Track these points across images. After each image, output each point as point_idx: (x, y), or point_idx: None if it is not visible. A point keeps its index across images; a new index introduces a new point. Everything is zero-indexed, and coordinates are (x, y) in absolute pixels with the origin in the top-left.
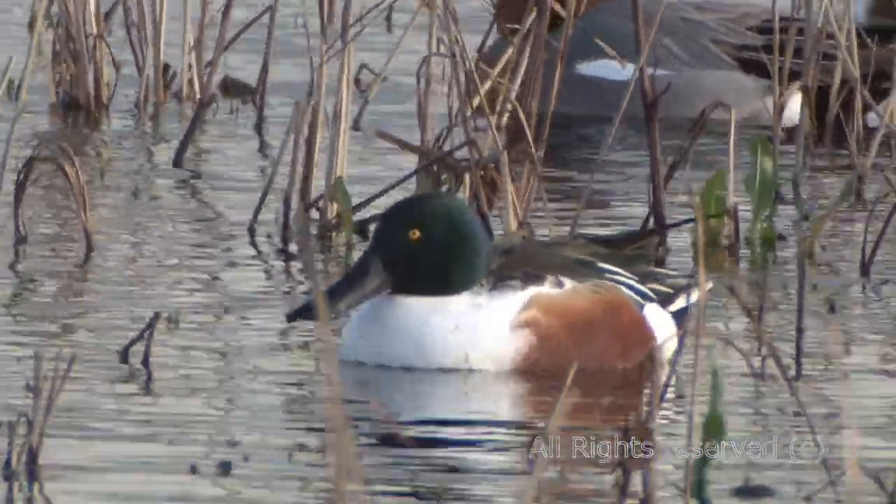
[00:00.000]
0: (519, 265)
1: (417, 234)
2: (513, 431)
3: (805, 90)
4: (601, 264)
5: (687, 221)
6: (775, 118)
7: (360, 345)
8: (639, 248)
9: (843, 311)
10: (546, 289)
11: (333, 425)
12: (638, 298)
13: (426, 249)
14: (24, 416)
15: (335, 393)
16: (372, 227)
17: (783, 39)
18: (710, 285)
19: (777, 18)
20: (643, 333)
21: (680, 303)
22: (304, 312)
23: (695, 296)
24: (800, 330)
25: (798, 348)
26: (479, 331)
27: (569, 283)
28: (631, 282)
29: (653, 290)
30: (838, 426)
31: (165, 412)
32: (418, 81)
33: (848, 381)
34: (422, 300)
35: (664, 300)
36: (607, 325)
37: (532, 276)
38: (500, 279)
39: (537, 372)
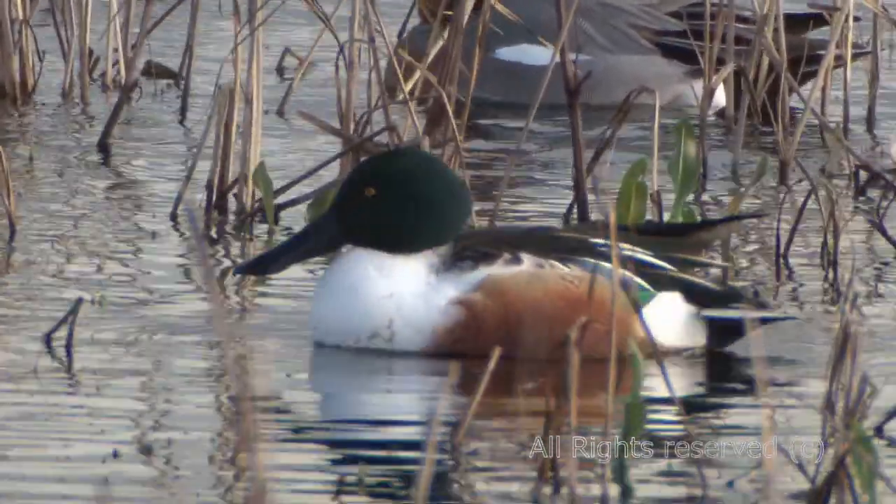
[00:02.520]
0: (483, 243)
1: (372, 191)
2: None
3: (740, 72)
4: (599, 241)
5: (756, 215)
6: (703, 103)
7: (313, 306)
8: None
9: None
10: (497, 268)
11: (239, 408)
12: (643, 284)
13: (379, 206)
14: None
15: (240, 377)
16: (286, 212)
17: (709, 25)
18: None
19: (708, 4)
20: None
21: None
22: (252, 267)
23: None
24: None
25: None
26: (409, 300)
27: (528, 261)
28: (649, 264)
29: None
30: (762, 407)
31: (88, 396)
32: (336, 68)
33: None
34: (375, 260)
35: (710, 298)
36: (561, 318)
37: (485, 255)
38: (457, 258)
39: (462, 353)
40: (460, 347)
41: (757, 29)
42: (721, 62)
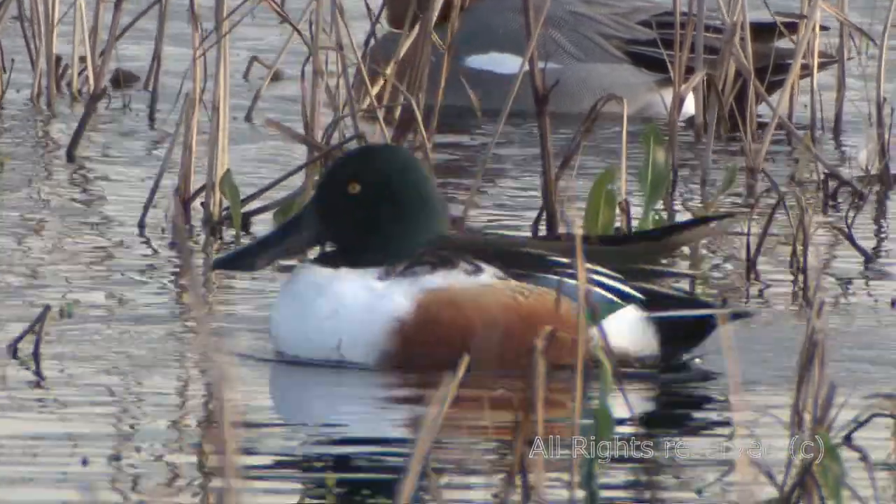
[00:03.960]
0: (446, 249)
1: (357, 187)
2: (401, 426)
3: (709, 81)
4: (556, 258)
5: (725, 216)
6: (672, 112)
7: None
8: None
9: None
10: (455, 275)
11: (215, 412)
12: (606, 297)
13: (364, 204)
14: None
15: (218, 387)
16: (256, 220)
17: (678, 34)
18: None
19: (678, 12)
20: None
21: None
22: (232, 262)
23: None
24: None
25: None
26: (356, 317)
27: (489, 271)
28: (603, 281)
29: (651, 291)
30: (732, 419)
31: (56, 406)
32: (303, 75)
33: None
34: (323, 276)
35: (657, 304)
36: (512, 331)
37: (445, 261)
38: (415, 263)
39: (417, 366)
40: (417, 362)
41: (726, 37)
42: (690, 71)
